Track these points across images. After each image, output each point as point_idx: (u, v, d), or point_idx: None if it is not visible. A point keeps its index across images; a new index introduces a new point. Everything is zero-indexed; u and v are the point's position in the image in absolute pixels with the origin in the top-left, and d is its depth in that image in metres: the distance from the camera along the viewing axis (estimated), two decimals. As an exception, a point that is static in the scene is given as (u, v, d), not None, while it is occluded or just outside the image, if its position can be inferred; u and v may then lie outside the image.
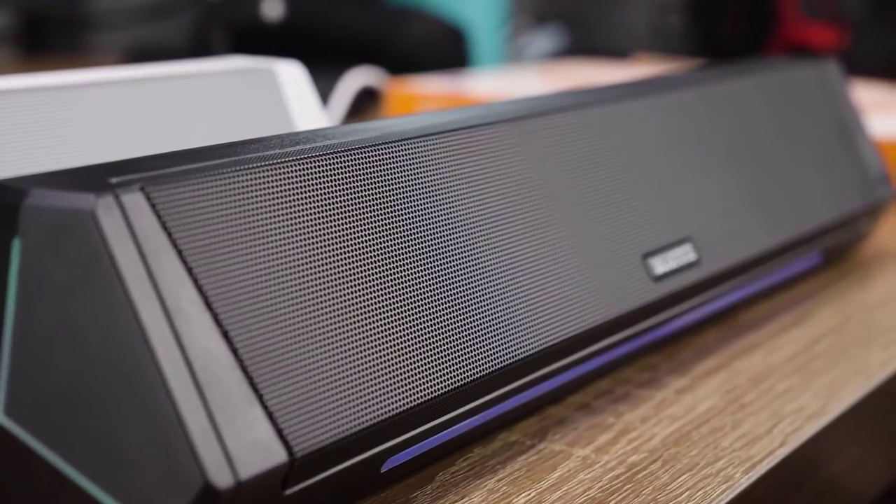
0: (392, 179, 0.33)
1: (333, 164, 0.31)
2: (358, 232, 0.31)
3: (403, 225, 0.33)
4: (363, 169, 0.32)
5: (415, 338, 0.32)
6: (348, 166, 0.32)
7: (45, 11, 1.27)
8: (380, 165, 0.33)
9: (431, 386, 0.32)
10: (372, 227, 0.32)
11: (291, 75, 0.50)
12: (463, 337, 0.33)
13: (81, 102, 0.43)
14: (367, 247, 0.31)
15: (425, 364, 0.32)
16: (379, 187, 0.33)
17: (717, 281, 0.44)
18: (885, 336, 0.46)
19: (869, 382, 0.41)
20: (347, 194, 0.31)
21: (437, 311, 0.33)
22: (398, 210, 0.33)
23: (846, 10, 1.48)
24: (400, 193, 0.33)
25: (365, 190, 0.32)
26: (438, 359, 0.32)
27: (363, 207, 0.32)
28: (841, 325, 0.48)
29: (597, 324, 0.38)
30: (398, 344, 0.31)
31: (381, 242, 0.32)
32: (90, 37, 1.31)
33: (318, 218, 0.30)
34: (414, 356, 0.31)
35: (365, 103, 0.91)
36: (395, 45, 1.04)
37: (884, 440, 0.46)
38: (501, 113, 0.40)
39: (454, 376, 0.33)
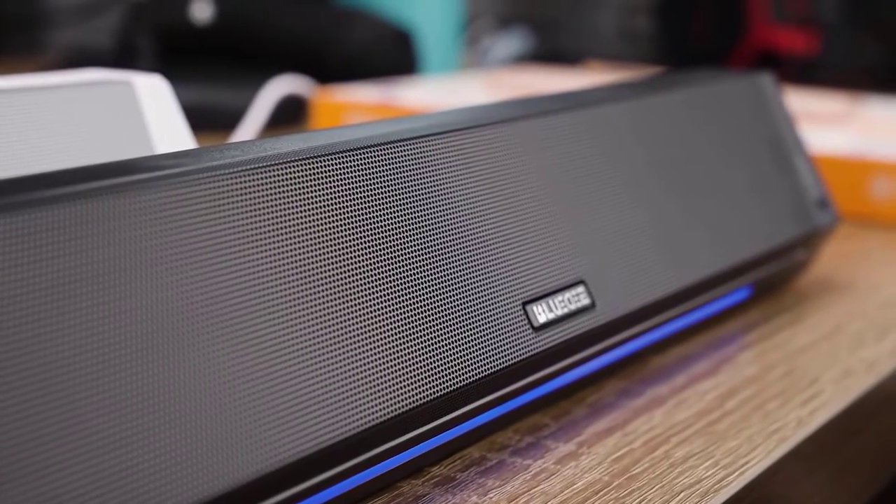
0: (168, 233, 0.27)
1: (108, 207, 0.26)
2: (128, 298, 0.26)
3: (171, 305, 0.27)
4: (146, 215, 0.27)
5: (212, 411, 0.26)
6: (143, 209, 0.26)
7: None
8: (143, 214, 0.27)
9: (235, 470, 0.26)
10: (142, 296, 0.26)
11: (151, 89, 0.45)
12: (280, 404, 0.28)
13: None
14: (149, 310, 0.26)
15: (228, 442, 0.26)
16: (162, 244, 0.27)
17: (616, 328, 0.39)
18: (809, 388, 0.41)
19: (780, 448, 0.36)
20: (139, 245, 0.26)
21: (242, 377, 0.27)
22: (175, 276, 0.27)
23: (818, 13, 1.43)
24: (184, 252, 0.28)
25: (152, 245, 0.26)
26: (247, 434, 0.27)
27: (152, 265, 0.26)
28: (761, 373, 0.42)
29: (459, 385, 0.33)
30: (190, 422, 0.26)
31: (155, 310, 0.26)
32: (38, 36, 1.25)
33: (92, 275, 0.25)
34: (213, 433, 0.26)
35: (294, 113, 0.86)
36: (337, 50, 0.99)
37: (813, 499, 0.41)
38: (381, 135, 0.34)
39: (269, 457, 0.27)
